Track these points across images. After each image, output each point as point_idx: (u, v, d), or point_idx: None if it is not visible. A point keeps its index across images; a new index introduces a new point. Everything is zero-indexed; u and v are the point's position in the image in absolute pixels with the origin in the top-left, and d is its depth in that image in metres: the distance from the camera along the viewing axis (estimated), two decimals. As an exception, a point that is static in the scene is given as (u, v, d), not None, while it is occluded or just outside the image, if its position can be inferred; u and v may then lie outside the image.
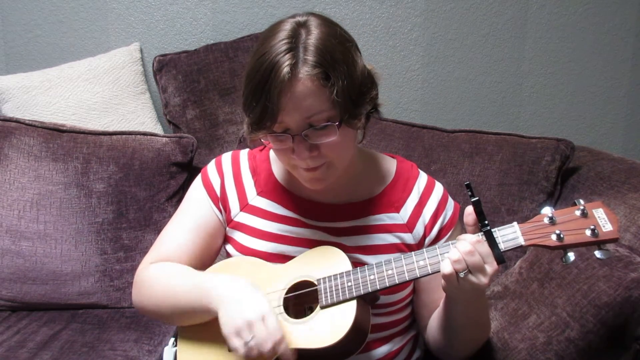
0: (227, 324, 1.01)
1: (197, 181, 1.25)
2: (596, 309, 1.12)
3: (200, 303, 1.07)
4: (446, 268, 0.97)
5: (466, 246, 0.96)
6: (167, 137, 1.78)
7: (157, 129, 2.09)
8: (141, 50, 2.15)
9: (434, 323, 1.17)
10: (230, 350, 1.03)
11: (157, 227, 1.72)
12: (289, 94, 0.98)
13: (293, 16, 1.05)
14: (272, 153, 1.23)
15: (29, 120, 1.77)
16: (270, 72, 0.97)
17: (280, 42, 0.99)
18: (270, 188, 1.20)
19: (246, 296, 1.03)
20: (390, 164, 1.22)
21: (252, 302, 1.02)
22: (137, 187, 1.72)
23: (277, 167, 1.22)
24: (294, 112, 0.99)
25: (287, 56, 0.98)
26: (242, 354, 1.00)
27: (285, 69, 0.97)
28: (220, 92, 2.03)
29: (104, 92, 2.03)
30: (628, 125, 2.24)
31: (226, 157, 1.25)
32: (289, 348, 1.02)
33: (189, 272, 1.14)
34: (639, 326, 1.10)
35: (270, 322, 1.00)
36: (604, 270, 1.15)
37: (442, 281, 1.00)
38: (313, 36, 1.00)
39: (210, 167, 1.24)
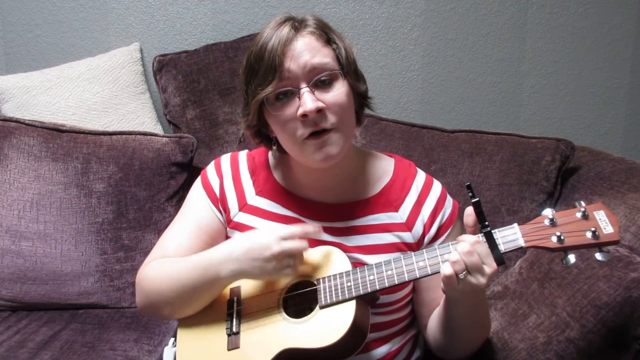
0: (264, 273, 1.05)
1: (197, 183, 1.25)
2: (596, 309, 1.12)
3: (206, 276, 1.08)
4: (446, 270, 0.96)
5: (465, 246, 0.96)
6: (167, 137, 1.78)
7: (157, 129, 2.08)
8: (141, 50, 2.15)
9: (433, 323, 1.17)
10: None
11: (157, 227, 1.72)
12: (292, 45, 1.03)
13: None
14: (270, 156, 1.23)
15: (29, 120, 1.77)
16: (272, 37, 1.03)
17: (276, 23, 1.06)
18: (269, 188, 1.20)
19: (249, 241, 1.06)
20: (388, 163, 1.22)
21: (258, 240, 1.05)
22: (137, 187, 1.72)
23: (276, 168, 1.22)
24: (299, 60, 1.03)
25: (286, 23, 1.05)
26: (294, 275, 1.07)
27: (287, 29, 1.03)
28: (220, 92, 2.03)
29: (104, 92, 2.03)
30: (628, 125, 2.24)
31: (225, 159, 1.25)
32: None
33: (185, 258, 1.15)
34: (639, 326, 1.10)
35: (285, 236, 1.04)
36: (604, 270, 1.15)
37: (442, 284, 1.00)
38: (308, 15, 1.09)
39: (210, 169, 1.25)
